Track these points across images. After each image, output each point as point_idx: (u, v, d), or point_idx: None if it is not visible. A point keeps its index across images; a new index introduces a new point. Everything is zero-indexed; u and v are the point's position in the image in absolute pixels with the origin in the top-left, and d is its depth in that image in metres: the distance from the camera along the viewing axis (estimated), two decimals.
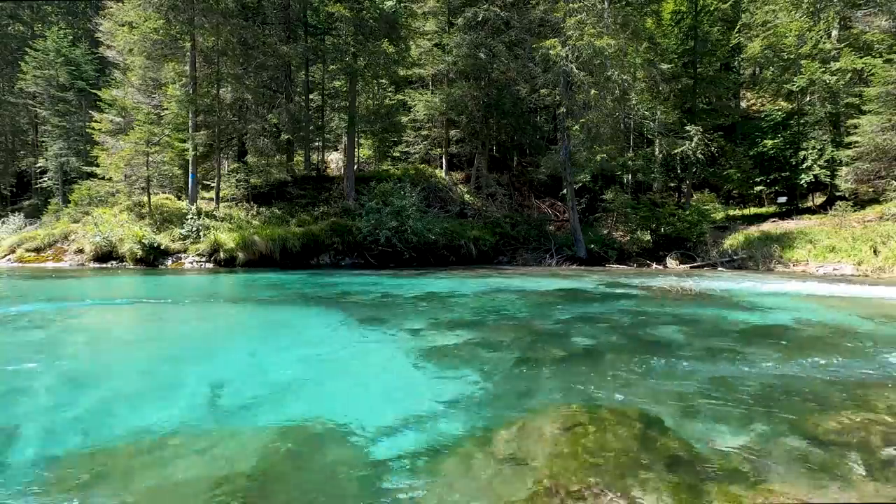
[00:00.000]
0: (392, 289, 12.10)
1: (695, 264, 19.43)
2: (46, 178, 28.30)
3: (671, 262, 19.90)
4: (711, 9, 25.05)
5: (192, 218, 18.01)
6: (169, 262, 17.08)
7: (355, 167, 23.85)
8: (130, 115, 19.71)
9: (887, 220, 17.57)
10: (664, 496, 2.72)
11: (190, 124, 19.27)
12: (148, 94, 20.83)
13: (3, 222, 23.36)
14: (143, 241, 16.84)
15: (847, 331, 7.27)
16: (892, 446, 3.32)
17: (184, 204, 19.63)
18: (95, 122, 20.99)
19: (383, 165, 27.42)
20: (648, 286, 12.68)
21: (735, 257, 18.96)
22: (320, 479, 2.97)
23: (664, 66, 21.38)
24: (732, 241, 19.95)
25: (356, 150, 25.18)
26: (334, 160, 28.54)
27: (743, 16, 26.44)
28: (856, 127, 19.02)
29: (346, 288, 12.22)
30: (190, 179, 19.44)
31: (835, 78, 20.50)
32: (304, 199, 21.63)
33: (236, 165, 23.63)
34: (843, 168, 20.01)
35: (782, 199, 23.59)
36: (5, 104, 30.47)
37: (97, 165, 20.75)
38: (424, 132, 27.06)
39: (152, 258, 16.86)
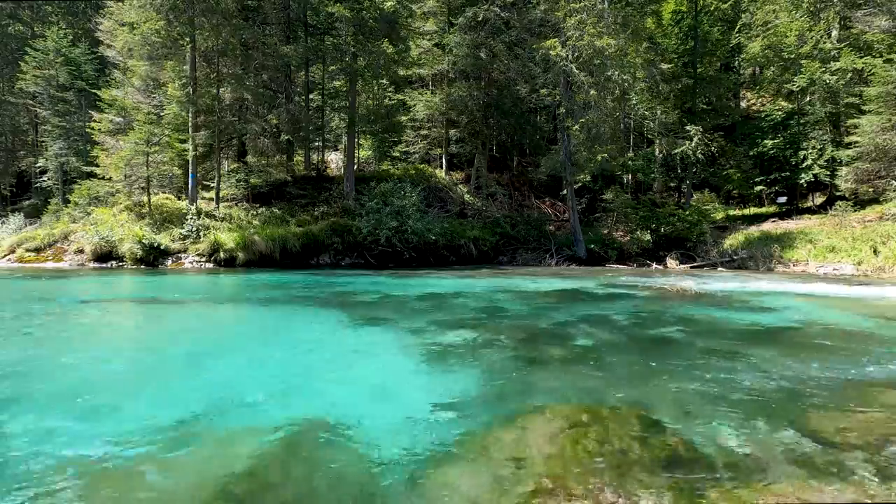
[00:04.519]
0: (392, 289, 12.10)
1: (695, 264, 19.43)
2: (46, 178, 28.27)
3: (671, 262, 19.89)
4: (711, 9, 25.07)
5: (192, 218, 18.00)
6: (169, 262, 17.07)
7: (355, 167, 23.84)
8: (130, 115, 19.71)
9: (887, 220, 17.57)
10: (664, 496, 2.72)
11: (190, 124, 19.27)
12: (148, 94, 20.83)
13: (3, 222, 23.35)
14: (143, 240, 16.83)
15: (847, 331, 7.26)
16: (893, 446, 3.32)
17: (184, 204, 19.63)
18: (95, 122, 20.98)
19: (383, 165, 27.41)
20: (648, 286, 12.67)
21: (735, 257, 18.96)
22: (320, 479, 2.97)
23: (664, 66, 21.38)
24: (732, 241, 19.96)
25: (356, 150, 25.18)
26: (334, 160, 28.54)
27: (743, 16, 26.45)
28: (856, 127, 19.02)
29: (346, 288, 12.21)
30: (190, 179, 19.44)
31: (835, 78, 20.50)
32: (303, 199, 21.62)
33: (236, 165, 23.63)
34: (843, 168, 20.02)
35: (782, 199, 23.61)
36: (5, 104, 30.44)
37: (97, 165, 20.74)
38: (424, 132, 27.06)
39: (152, 258, 16.86)
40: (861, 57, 20.04)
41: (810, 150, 21.74)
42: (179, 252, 17.42)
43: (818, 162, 21.42)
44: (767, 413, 3.91)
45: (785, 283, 13.22)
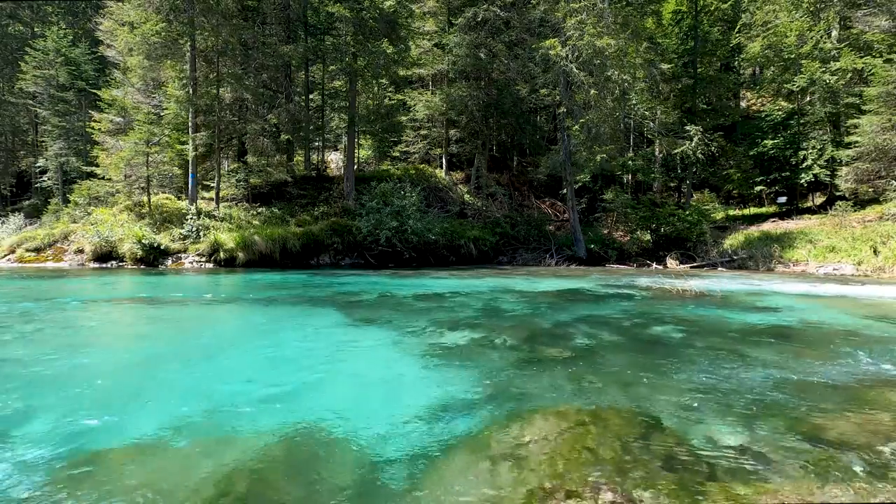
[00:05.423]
0: (392, 289, 12.10)
1: (695, 264, 19.42)
2: (46, 178, 28.28)
3: (671, 262, 19.89)
4: (711, 9, 25.07)
5: (192, 218, 18.01)
6: (169, 262, 17.07)
7: (355, 167, 23.85)
8: (130, 115, 19.71)
9: (887, 220, 17.57)
10: (664, 496, 2.72)
11: (190, 124, 19.27)
12: (148, 94, 20.84)
13: (3, 222, 23.35)
14: (143, 240, 16.84)
15: (847, 331, 7.26)
16: (893, 446, 3.32)
17: (184, 204, 19.63)
18: (95, 121, 20.99)
19: (383, 165, 27.43)
20: (648, 286, 12.67)
21: (735, 257, 18.95)
22: (319, 479, 2.97)
23: (664, 66, 21.38)
24: (732, 241, 19.95)
25: (356, 150, 25.18)
26: (334, 160, 28.55)
27: (743, 16, 26.46)
28: (856, 127, 19.03)
29: (346, 288, 12.21)
30: (190, 179, 19.44)
31: (835, 78, 20.51)
32: (303, 199, 21.63)
33: (236, 165, 23.63)
34: (843, 168, 20.03)
35: (782, 199, 23.62)
36: (5, 104, 30.45)
37: (97, 165, 20.76)
38: (424, 132, 27.08)
39: (152, 258, 16.86)
40: (861, 57, 20.05)
41: (810, 150, 21.74)
42: (179, 252, 17.42)
43: (818, 162, 21.42)
44: (767, 413, 3.91)
45: (785, 284, 13.22)
